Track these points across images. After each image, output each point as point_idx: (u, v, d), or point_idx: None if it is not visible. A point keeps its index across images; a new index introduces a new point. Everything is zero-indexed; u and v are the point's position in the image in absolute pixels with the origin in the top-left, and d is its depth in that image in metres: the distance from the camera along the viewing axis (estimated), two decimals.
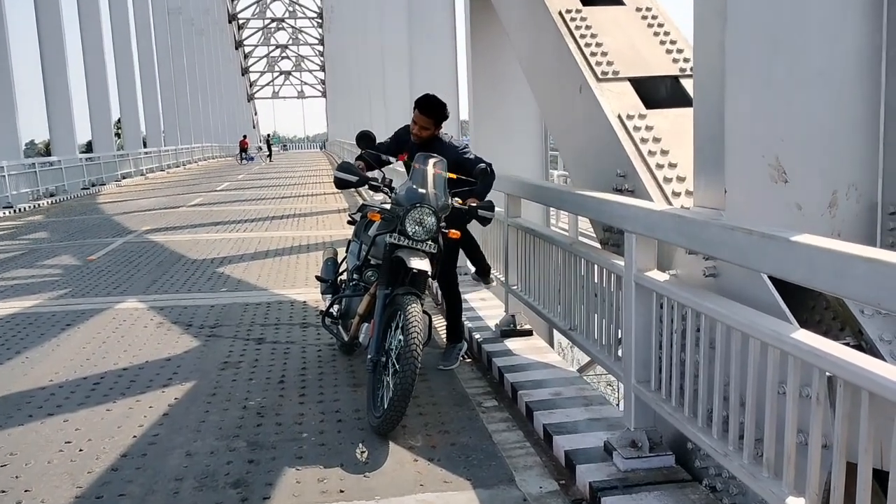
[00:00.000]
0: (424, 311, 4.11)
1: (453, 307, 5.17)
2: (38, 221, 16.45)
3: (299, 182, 26.69)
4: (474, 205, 4.46)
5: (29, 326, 6.56)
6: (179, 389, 4.81)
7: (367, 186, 4.41)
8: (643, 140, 3.85)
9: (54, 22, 24.91)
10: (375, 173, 4.65)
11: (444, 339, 5.40)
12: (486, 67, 7.53)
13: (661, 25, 4.77)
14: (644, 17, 4.85)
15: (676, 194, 3.66)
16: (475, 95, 7.55)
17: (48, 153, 29.93)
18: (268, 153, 52.00)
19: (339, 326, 4.91)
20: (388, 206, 4.42)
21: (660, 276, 3.15)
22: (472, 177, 4.55)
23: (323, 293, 5.45)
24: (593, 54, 4.47)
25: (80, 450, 3.89)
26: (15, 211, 18.68)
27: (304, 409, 4.37)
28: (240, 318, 6.64)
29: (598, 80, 4.30)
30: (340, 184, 4.37)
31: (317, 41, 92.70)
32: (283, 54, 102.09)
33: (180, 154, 42.78)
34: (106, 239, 12.43)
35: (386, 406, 3.86)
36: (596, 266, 3.74)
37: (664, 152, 3.79)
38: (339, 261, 5.48)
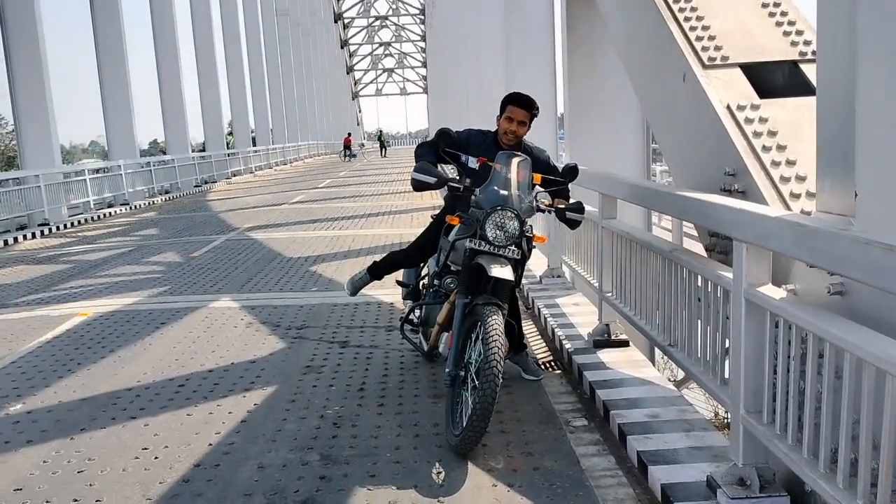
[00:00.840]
0: (509, 320, 3.83)
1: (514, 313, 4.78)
2: (151, 218, 17.16)
3: (397, 178, 26.82)
4: (562, 206, 4.14)
5: (126, 324, 6.69)
6: (260, 394, 4.72)
7: (446, 188, 4.15)
8: (756, 134, 3.41)
9: (168, 29, 26.10)
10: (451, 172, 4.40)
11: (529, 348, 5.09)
12: (583, 58, 7.14)
13: (776, 4, 4.27)
14: None
15: (795, 196, 3.21)
16: (571, 88, 7.17)
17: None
18: (381, 148, 55.12)
19: (420, 334, 4.68)
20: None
21: (775, 291, 2.73)
22: (560, 176, 4.25)
23: (404, 298, 5.25)
24: (699, 38, 4.04)
25: (156, 457, 3.82)
26: (131, 208, 19.60)
27: (381, 421, 4.17)
28: (326, 320, 6.54)
29: (705, 66, 3.87)
30: (418, 186, 4.09)
31: (419, 37, 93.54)
32: (387, 52, 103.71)
33: (287, 152, 44.06)
34: (210, 236, 12.76)
35: (465, 424, 3.60)
36: (699, 277, 3.34)
37: (781, 147, 3.34)
38: (421, 264, 5.25)
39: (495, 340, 3.52)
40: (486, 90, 21.97)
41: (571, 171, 4.22)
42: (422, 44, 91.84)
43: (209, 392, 4.81)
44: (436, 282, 4.46)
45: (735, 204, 2.92)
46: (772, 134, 3.40)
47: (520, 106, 4.22)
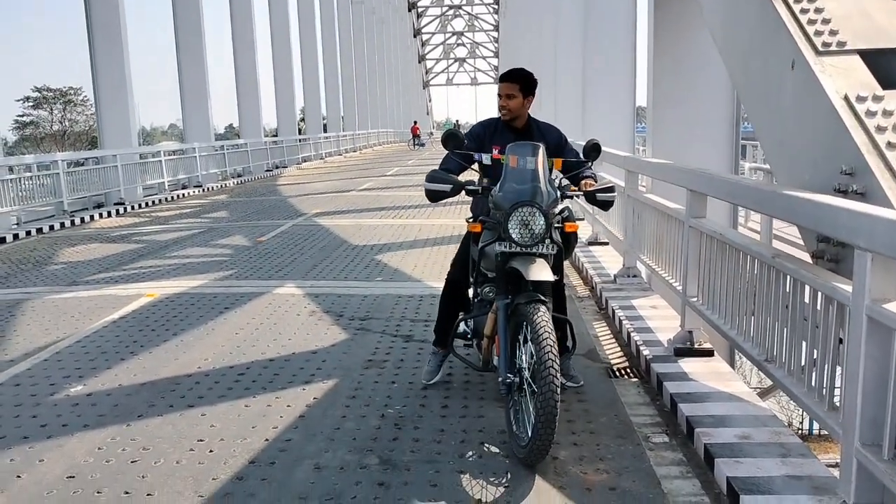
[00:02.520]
0: (561, 317, 3.52)
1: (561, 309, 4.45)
2: (222, 201, 17.37)
3: None
4: (590, 189, 3.87)
5: (190, 307, 6.64)
6: (320, 388, 4.54)
7: (463, 193, 3.87)
8: (880, 129, 3.01)
9: (245, 16, 26.45)
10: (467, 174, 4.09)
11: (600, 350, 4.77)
12: (670, 46, 6.73)
13: None
14: None
15: None
16: (655, 77, 6.76)
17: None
18: None
19: (474, 349, 4.33)
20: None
21: None
22: (582, 155, 4.01)
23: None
24: (811, 21, 3.63)
25: (211, 451, 3.68)
26: (203, 190, 19.92)
27: (444, 425, 3.93)
28: (390, 311, 6.34)
29: (818, 53, 3.46)
30: (433, 196, 3.85)
31: (492, 27, 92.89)
32: (459, 41, 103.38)
33: (357, 139, 44.35)
34: (278, 221, 12.77)
35: (530, 434, 3.33)
36: (807, 287, 2.97)
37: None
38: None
39: (546, 338, 3.24)
40: (561, 82, 21.45)
41: (594, 149, 3.97)
42: (494, 33, 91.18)
43: (268, 383, 4.66)
44: (477, 290, 4.16)
45: (860, 207, 2.56)
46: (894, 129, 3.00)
47: (506, 79, 4.11)
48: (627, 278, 6.77)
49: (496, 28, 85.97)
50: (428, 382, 4.51)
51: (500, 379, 3.56)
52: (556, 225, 3.73)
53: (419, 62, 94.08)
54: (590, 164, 4.05)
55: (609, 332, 5.68)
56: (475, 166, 4.13)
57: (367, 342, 5.49)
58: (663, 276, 5.40)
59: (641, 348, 4.88)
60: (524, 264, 3.55)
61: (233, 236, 11.14)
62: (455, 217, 12.77)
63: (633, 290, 6.50)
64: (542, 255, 3.62)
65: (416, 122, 52.43)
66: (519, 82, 4.12)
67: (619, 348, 5.28)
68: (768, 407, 3.98)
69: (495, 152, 4.01)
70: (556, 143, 4.18)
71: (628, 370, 4.79)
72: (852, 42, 3.48)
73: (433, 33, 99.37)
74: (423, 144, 49.64)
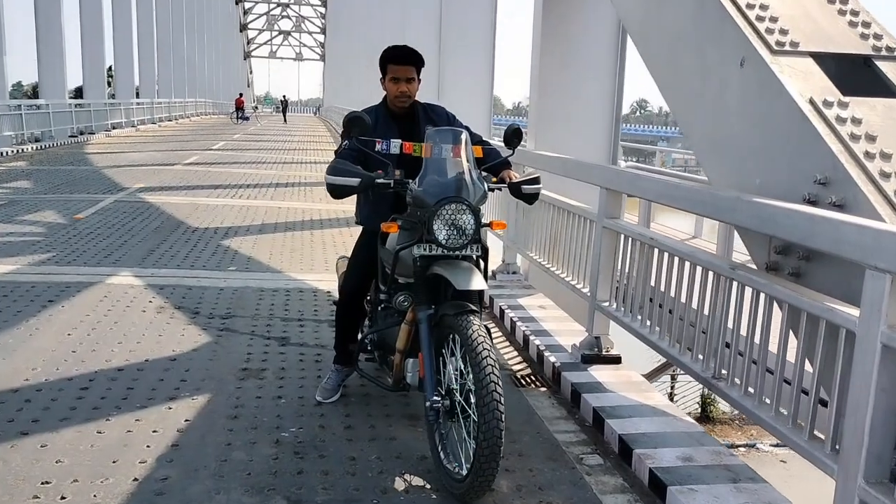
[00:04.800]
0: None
1: None
2: (22, 169, 15.22)
3: (299, 147, 25.48)
4: (517, 180, 3.45)
5: (3, 300, 5.49)
6: (190, 406, 3.80)
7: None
8: (854, 137, 2.86)
9: None
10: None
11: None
12: (559, 37, 6.48)
13: None
14: None
15: None
16: (542, 67, 6.49)
17: (35, 96, 28.45)
18: (283, 114, 54.21)
19: (383, 364, 3.75)
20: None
21: None
22: (504, 142, 3.62)
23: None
24: (759, 18, 3.45)
25: (63, 497, 2.87)
26: None
27: (354, 450, 3.38)
28: (255, 308, 5.60)
29: (773, 52, 3.28)
30: (338, 192, 3.24)
31: (319, 2, 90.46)
32: (284, 13, 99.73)
33: (173, 108, 41.28)
34: (95, 195, 11.28)
35: (469, 467, 2.88)
36: (787, 306, 2.75)
37: (886, 156, 2.80)
38: None
39: (486, 357, 2.81)
40: None
41: (515, 135, 3.56)
42: (322, 9, 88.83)
43: (122, 400, 3.84)
44: (382, 297, 3.64)
45: (872, 224, 2.34)
46: (870, 138, 2.85)
47: (402, 62, 3.56)
48: (507, 275, 6.50)
49: (324, 3, 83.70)
50: (324, 401, 3.91)
51: (427, 403, 3.06)
52: (484, 224, 3.29)
53: (240, 31, 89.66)
54: (511, 152, 3.63)
55: (500, 334, 5.35)
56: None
57: (236, 346, 4.75)
58: (562, 278, 5.14)
59: (546, 354, 4.58)
60: (451, 271, 3.07)
61: (42, 211, 9.63)
62: (302, 200, 11.98)
63: (516, 287, 6.23)
64: (465, 258, 3.17)
65: (241, 95, 49.82)
66: (416, 64, 3.61)
67: (516, 353, 4.96)
68: (694, 422, 3.82)
69: (396, 145, 3.45)
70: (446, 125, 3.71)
71: (533, 378, 4.47)
72: (804, 44, 3.33)
73: (256, 2, 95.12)
74: (247, 118, 47.22)
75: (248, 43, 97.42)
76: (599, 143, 6.71)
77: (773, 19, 3.45)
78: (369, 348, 3.89)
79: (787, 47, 3.30)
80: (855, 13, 3.62)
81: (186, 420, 3.63)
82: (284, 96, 60.63)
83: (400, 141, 3.40)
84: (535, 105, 6.78)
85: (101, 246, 7.56)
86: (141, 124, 32.88)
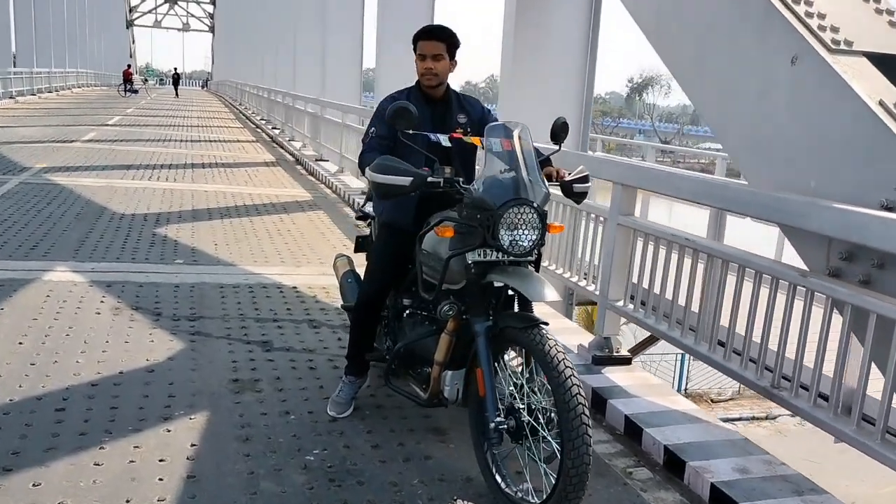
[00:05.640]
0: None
1: None
2: None
3: (202, 124, 24.20)
4: (569, 179, 3.19)
5: None
6: (190, 427, 3.37)
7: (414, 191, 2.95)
8: None
9: None
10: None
11: None
12: (531, 23, 6.27)
13: None
14: None
15: None
16: (515, 50, 6.26)
17: None
18: (175, 87, 51.43)
19: (408, 378, 3.39)
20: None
21: None
22: (552, 138, 3.28)
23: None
24: (809, 14, 3.35)
25: None
26: None
27: (392, 474, 3.08)
28: (222, 307, 5.13)
29: (831, 50, 3.18)
30: (387, 192, 2.92)
31: None
32: None
33: (53, 78, 38.37)
34: None
35: (549, 496, 2.66)
36: (875, 316, 2.66)
37: None
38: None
39: (571, 377, 2.60)
40: (301, 29, 20.27)
41: (563, 129, 3.25)
42: None
43: (110, 423, 3.36)
44: (418, 309, 3.34)
45: None
46: None
47: (429, 37, 3.30)
48: None
49: None
50: (338, 416, 3.57)
51: (492, 424, 2.79)
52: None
53: None
54: (558, 147, 3.39)
55: None
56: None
57: (216, 353, 4.31)
58: (560, 275, 4.97)
59: None
60: (518, 280, 2.83)
61: None
62: (227, 182, 11.30)
63: None
64: (522, 264, 2.93)
65: (129, 66, 46.93)
66: (445, 40, 3.31)
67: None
68: (731, 427, 3.74)
69: (445, 138, 3.17)
70: (479, 120, 3.45)
71: None
72: (858, 43, 3.25)
73: None
74: (135, 91, 44.55)
75: (130, 11, 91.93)
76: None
77: (822, 16, 3.36)
78: (387, 357, 3.58)
79: (842, 46, 3.22)
80: (891, 13, 3.59)
81: (192, 445, 3.21)
82: (175, 69, 57.58)
83: (447, 136, 3.12)
84: (505, 90, 6.55)
85: (23, 236, 6.78)
86: (20, 95, 30.37)
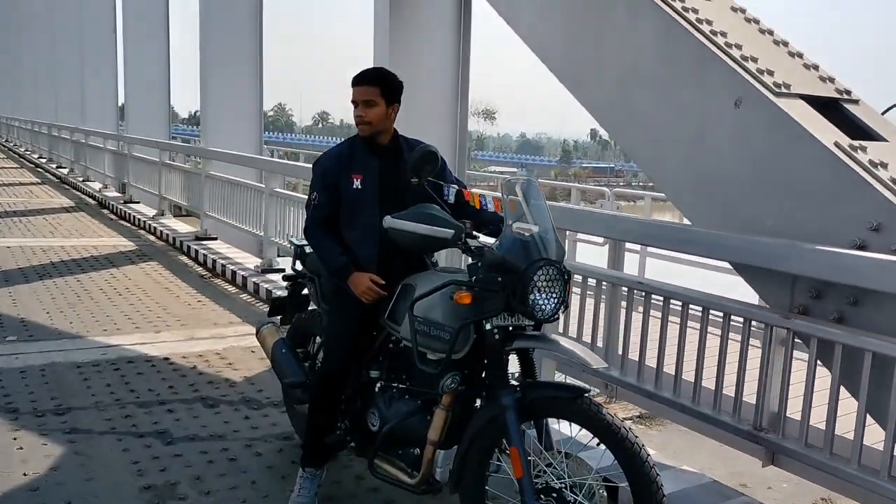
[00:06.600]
0: None
1: None
2: None
3: None
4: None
5: None
6: None
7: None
8: (895, 181, 2.91)
9: None
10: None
11: None
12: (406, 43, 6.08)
13: (770, 33, 3.92)
14: (750, 21, 3.95)
15: None
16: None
17: None
18: None
19: (394, 463, 2.94)
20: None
21: None
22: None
23: (297, 403, 3.56)
24: (745, 58, 3.43)
25: None
26: None
27: None
28: (91, 394, 4.32)
29: (776, 93, 3.26)
30: (426, 245, 2.70)
31: None
32: None
33: None
34: None
35: None
36: (871, 354, 2.71)
37: None
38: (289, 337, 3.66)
39: (642, 447, 2.40)
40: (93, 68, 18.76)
41: (427, 160, 2.87)
42: None
43: None
44: (378, 382, 3.01)
45: None
46: None
47: (358, 82, 3.00)
48: None
49: None
50: None
51: None
52: None
53: None
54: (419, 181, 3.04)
55: None
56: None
57: (107, 454, 3.58)
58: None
59: None
60: (563, 347, 2.61)
61: None
62: (32, 235, 9.84)
63: None
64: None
65: None
66: (378, 85, 3.01)
67: None
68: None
69: (452, 192, 2.89)
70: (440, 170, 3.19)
71: None
72: (794, 86, 3.37)
73: None
74: None
75: None
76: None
77: (755, 59, 3.45)
78: (349, 441, 3.15)
79: (782, 89, 3.31)
80: (800, 55, 3.79)
81: None
82: None
83: (456, 187, 2.81)
84: None
85: None
86: None
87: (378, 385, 3.02)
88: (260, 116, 10.76)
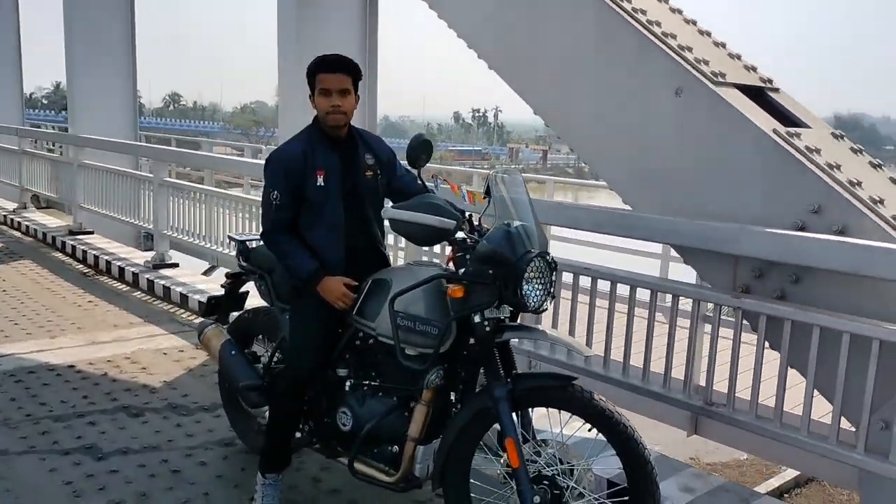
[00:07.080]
0: None
1: None
2: None
3: None
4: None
5: None
6: None
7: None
8: (831, 166, 3.12)
9: None
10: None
11: None
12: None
13: (694, 22, 4.09)
14: (674, 11, 4.10)
15: None
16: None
17: None
18: None
19: (370, 462, 2.85)
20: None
21: None
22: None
23: (253, 406, 3.33)
24: (682, 48, 3.56)
25: None
26: None
27: None
28: None
29: (715, 83, 3.41)
30: (429, 237, 2.65)
31: None
32: None
33: None
34: None
35: None
36: (818, 329, 2.90)
37: (857, 183, 3.11)
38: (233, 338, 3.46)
39: (634, 432, 2.45)
40: None
41: (425, 149, 2.86)
42: None
43: None
44: (347, 380, 2.89)
45: None
46: (837, 167, 3.15)
47: (334, 69, 2.85)
48: None
49: None
50: None
51: (537, 499, 2.48)
52: None
53: None
54: (417, 173, 2.97)
55: None
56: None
57: (33, 476, 3.25)
58: None
59: None
60: (556, 337, 2.66)
61: None
62: None
63: None
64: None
65: None
66: (353, 73, 2.88)
67: None
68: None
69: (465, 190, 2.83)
70: (387, 159, 3.11)
71: None
72: (730, 75, 3.54)
73: None
74: None
75: None
76: None
77: (689, 48, 3.59)
78: (314, 442, 3.03)
79: (719, 78, 3.47)
80: (724, 45, 3.98)
81: None
82: None
83: (443, 179, 2.74)
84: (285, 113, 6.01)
85: None
86: None
87: (348, 384, 2.91)
88: (134, 100, 10.06)
